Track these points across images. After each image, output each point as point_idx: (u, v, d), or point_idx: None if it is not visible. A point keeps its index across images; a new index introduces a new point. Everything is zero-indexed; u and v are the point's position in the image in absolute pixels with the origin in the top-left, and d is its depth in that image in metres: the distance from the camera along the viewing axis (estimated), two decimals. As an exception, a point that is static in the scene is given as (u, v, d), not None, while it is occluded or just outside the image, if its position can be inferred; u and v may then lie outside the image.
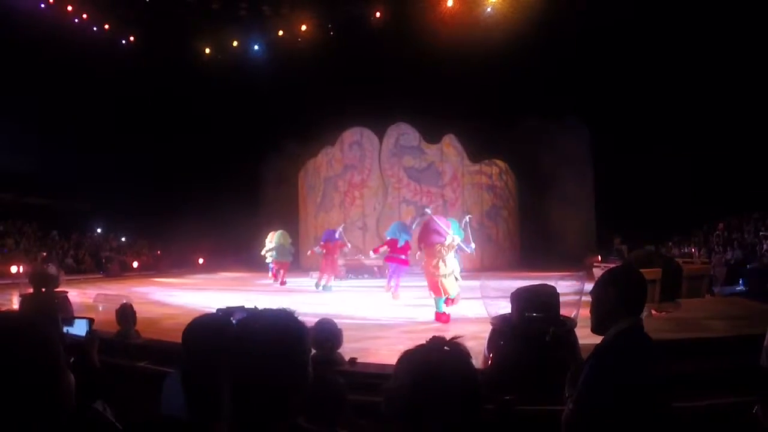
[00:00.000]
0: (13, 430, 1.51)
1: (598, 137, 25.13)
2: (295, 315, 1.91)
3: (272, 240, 20.16)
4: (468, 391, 1.66)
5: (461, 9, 23.33)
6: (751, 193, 20.78)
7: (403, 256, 15.15)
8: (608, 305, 2.96)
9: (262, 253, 20.48)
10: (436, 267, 10.93)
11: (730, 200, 21.18)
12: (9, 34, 22.55)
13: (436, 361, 1.69)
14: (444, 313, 10.93)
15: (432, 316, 11.26)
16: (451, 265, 11.08)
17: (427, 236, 11.11)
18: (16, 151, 26.01)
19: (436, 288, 10.98)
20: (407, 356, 1.75)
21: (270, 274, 20.70)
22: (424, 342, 1.77)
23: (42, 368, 1.56)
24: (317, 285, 17.95)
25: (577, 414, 2.80)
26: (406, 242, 15.17)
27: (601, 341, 2.96)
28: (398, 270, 15.25)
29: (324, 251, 18.36)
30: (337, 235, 18.59)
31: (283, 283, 19.80)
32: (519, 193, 27.19)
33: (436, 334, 1.78)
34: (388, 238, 15.63)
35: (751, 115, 20.76)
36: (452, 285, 11.03)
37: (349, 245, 19.17)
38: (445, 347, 1.73)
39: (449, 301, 11.05)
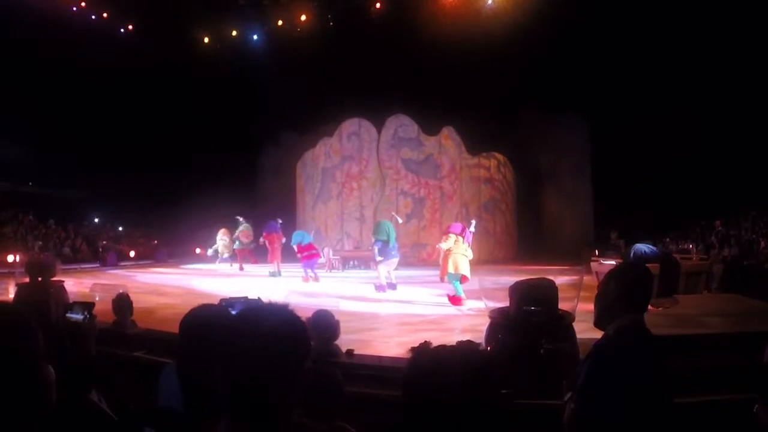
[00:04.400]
0: None
1: (597, 132, 25.11)
2: (292, 310, 1.88)
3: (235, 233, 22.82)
4: (489, 399, 1.65)
5: (462, 1, 23.26)
6: (748, 190, 20.79)
7: (306, 253, 18.16)
8: (609, 299, 2.94)
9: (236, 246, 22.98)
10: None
11: (728, 197, 21.16)
12: (6, 23, 22.44)
13: (471, 363, 1.68)
14: (458, 296, 12.25)
15: (425, 309, 12.09)
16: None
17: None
18: (13, 141, 25.95)
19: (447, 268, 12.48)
20: (438, 354, 1.74)
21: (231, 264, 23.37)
22: (456, 343, 1.77)
23: (15, 362, 1.52)
24: (271, 273, 20.04)
25: (579, 414, 2.77)
26: (309, 243, 18.44)
27: (601, 338, 2.93)
28: (310, 262, 18.19)
29: (267, 242, 20.50)
30: (278, 227, 20.68)
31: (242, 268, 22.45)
32: (517, 186, 27.14)
33: (470, 339, 1.78)
34: (295, 245, 18.41)
35: (749, 113, 20.74)
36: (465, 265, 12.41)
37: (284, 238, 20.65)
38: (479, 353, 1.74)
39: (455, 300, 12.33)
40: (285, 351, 1.76)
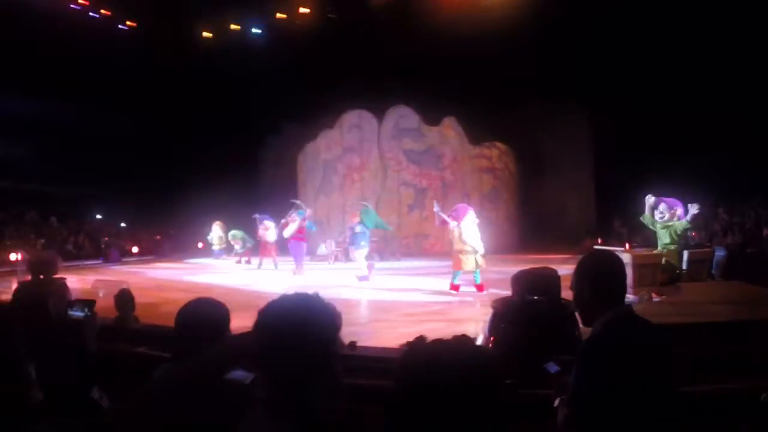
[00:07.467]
0: None
1: (599, 119, 24.97)
2: (320, 298, 1.92)
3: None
4: (486, 392, 1.61)
5: (462, -10, 23.17)
6: (753, 178, 20.68)
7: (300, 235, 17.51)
8: (586, 299, 2.86)
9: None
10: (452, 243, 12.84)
11: (732, 185, 21.07)
12: (5, 21, 22.38)
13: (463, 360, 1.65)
14: (456, 284, 12.74)
15: (429, 299, 12.36)
16: (469, 244, 12.57)
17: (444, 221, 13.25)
18: (14, 138, 26.03)
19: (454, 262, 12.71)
20: (428, 348, 1.71)
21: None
22: (451, 338, 1.74)
23: None
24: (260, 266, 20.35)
25: (575, 417, 2.68)
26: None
27: (589, 335, 2.84)
28: (298, 249, 17.51)
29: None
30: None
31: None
32: (519, 176, 27.02)
33: (465, 334, 1.75)
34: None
35: (753, 100, 20.60)
36: (469, 262, 12.54)
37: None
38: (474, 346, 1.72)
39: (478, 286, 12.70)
40: (314, 337, 1.82)
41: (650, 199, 10.82)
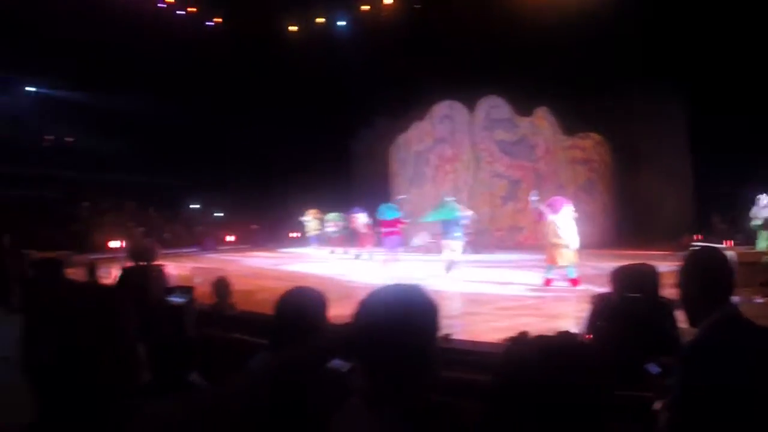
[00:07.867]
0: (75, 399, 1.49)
1: (698, 109, 24.05)
2: (423, 291, 1.88)
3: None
4: (587, 393, 1.58)
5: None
6: None
7: (387, 229, 17.39)
8: (692, 298, 2.74)
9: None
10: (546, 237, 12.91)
11: None
12: (97, 25, 23.25)
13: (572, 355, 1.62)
14: (549, 279, 12.82)
15: (523, 293, 12.32)
16: (564, 238, 12.50)
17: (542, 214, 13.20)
18: (114, 132, 27.11)
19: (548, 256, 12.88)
20: (532, 344, 1.68)
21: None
22: (555, 334, 1.71)
23: (111, 340, 1.55)
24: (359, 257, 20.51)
25: (678, 420, 2.56)
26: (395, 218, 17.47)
27: (695, 336, 2.72)
28: (393, 242, 17.36)
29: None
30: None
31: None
32: (614, 167, 26.26)
33: (568, 330, 1.72)
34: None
35: None
36: (563, 256, 12.52)
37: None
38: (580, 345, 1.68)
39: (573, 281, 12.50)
40: (415, 331, 1.79)
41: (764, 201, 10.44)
